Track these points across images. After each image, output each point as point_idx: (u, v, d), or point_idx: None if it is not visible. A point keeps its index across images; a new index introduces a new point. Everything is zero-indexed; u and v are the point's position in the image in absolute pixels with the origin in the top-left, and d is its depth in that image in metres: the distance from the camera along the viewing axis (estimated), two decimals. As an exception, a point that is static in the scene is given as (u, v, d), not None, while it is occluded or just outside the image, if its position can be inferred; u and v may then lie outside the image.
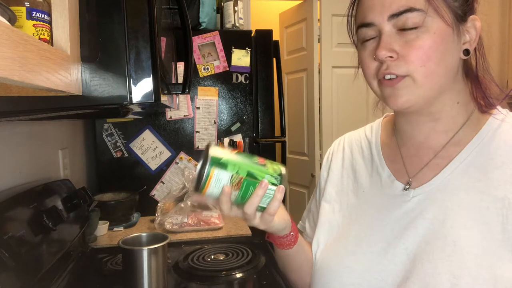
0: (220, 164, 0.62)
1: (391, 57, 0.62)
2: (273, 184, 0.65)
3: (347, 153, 0.83)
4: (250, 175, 0.63)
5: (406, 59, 0.61)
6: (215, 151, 0.63)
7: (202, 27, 1.96)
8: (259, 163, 0.65)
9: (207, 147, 0.64)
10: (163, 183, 1.95)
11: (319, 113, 2.91)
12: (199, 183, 0.63)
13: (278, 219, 0.70)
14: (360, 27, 0.66)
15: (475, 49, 0.67)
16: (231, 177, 0.62)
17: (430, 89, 0.63)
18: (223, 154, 0.63)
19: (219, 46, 1.95)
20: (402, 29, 0.61)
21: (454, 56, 0.64)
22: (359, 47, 0.69)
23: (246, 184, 0.63)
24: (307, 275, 0.79)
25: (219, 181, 0.62)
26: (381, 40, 0.62)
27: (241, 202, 0.65)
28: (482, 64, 0.68)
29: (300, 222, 0.92)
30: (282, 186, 0.65)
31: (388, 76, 0.63)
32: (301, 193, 3.13)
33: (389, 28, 0.62)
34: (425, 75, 0.62)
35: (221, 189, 0.63)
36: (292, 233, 0.75)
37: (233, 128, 1.99)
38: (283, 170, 0.66)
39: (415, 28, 0.60)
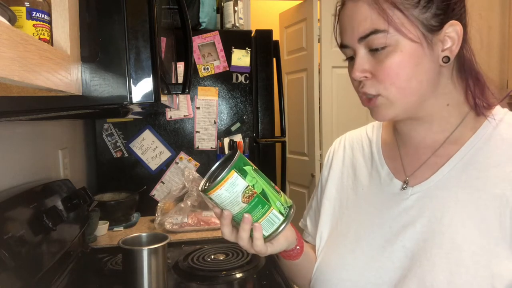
0: (241, 170, 0.61)
1: (366, 77, 0.64)
2: (281, 213, 0.64)
3: (348, 151, 0.84)
4: (263, 194, 0.63)
5: (377, 78, 0.63)
6: (241, 157, 0.63)
7: (202, 27, 1.96)
8: (274, 188, 0.65)
9: (234, 151, 0.63)
10: (163, 183, 1.95)
11: (319, 113, 2.91)
12: (212, 181, 0.61)
13: (280, 241, 0.70)
14: (340, 47, 0.69)
15: (463, 51, 0.66)
16: (246, 188, 0.61)
17: (405, 103, 0.65)
18: (247, 163, 0.63)
19: (219, 46, 1.95)
20: (374, 50, 0.63)
21: (429, 67, 0.63)
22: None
23: (257, 201, 0.62)
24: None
25: (233, 185, 0.60)
26: (355, 62, 0.65)
27: (241, 218, 0.63)
28: (474, 66, 0.68)
29: (302, 220, 0.93)
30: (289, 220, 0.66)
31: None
32: (301, 193, 3.13)
33: (362, 49, 0.64)
34: (396, 92, 0.63)
35: (234, 194, 0.61)
36: (297, 247, 0.75)
37: (233, 128, 1.99)
38: (293, 204, 0.67)
39: (384, 48, 0.62)
